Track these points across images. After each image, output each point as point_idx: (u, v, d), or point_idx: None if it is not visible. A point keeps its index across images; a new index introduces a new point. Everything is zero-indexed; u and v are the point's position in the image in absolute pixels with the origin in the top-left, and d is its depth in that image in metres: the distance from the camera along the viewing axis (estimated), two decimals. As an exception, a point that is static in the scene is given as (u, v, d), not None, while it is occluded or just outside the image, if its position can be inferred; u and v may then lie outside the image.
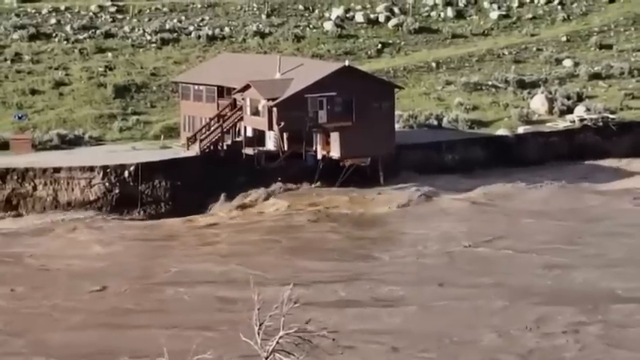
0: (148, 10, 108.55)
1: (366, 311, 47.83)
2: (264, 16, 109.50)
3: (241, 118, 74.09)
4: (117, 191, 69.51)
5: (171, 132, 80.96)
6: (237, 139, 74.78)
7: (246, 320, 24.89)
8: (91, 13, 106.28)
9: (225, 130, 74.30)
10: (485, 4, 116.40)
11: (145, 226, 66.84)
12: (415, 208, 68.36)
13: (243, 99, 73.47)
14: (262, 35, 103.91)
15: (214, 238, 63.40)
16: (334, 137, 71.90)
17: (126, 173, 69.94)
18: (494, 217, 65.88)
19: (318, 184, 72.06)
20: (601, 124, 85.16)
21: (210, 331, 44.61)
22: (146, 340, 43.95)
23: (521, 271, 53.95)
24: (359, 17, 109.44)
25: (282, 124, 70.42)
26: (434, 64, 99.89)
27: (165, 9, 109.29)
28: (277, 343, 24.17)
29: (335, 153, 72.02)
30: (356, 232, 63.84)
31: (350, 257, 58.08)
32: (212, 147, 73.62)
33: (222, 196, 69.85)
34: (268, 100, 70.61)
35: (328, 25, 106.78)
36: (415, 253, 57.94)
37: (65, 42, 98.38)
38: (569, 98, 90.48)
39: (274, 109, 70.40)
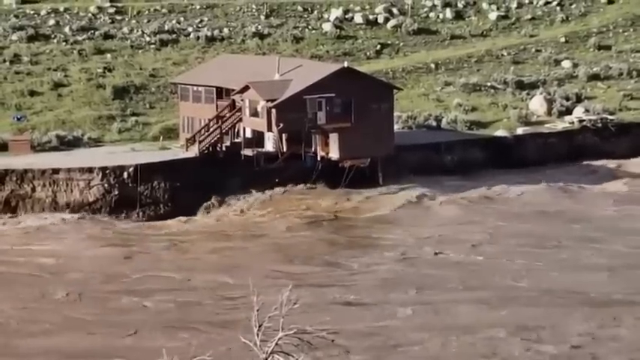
0: (146, 12, 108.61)
1: (328, 316, 46.37)
2: (263, 17, 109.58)
3: (240, 120, 74.05)
4: (116, 192, 69.44)
5: (171, 133, 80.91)
6: (236, 140, 74.73)
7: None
8: (89, 15, 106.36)
9: (224, 131, 74.29)
10: (484, 5, 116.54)
11: (112, 230, 65.69)
12: (403, 211, 67.97)
13: (242, 100, 73.44)
14: (261, 36, 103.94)
15: (184, 244, 62.20)
16: (333, 138, 71.85)
17: (125, 174, 69.86)
18: (479, 220, 65.46)
19: (310, 185, 71.93)
20: (600, 125, 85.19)
21: (174, 340, 43.62)
22: (104, 346, 43.65)
23: (497, 276, 53.53)
24: (358, 18, 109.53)
25: (281, 125, 70.36)
26: (433, 65, 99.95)
27: (164, 10, 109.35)
28: (276, 344, 24.19)
29: (334, 154, 71.96)
30: (334, 236, 63.13)
31: (321, 262, 57.19)
32: (211, 148, 73.61)
33: (213, 200, 69.91)
34: (267, 101, 70.59)
35: (327, 26, 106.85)
36: (391, 259, 57.30)
37: (64, 43, 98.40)
38: (568, 99, 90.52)
39: (273, 110, 70.36)
